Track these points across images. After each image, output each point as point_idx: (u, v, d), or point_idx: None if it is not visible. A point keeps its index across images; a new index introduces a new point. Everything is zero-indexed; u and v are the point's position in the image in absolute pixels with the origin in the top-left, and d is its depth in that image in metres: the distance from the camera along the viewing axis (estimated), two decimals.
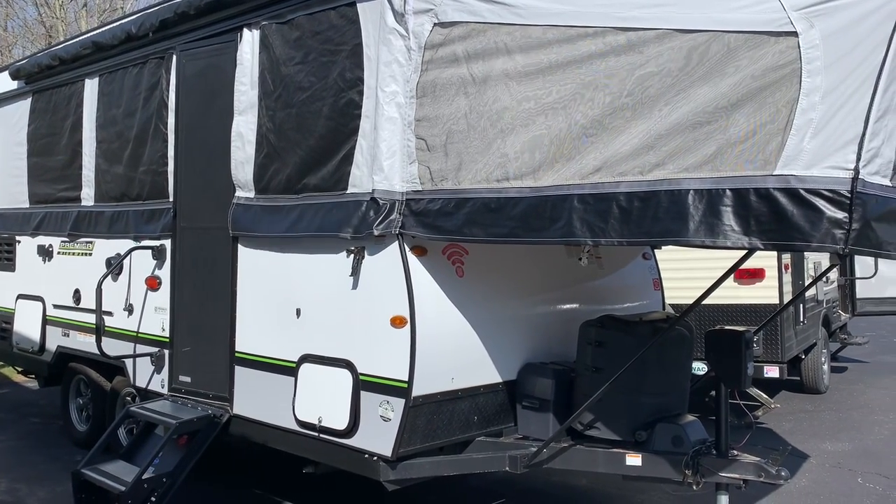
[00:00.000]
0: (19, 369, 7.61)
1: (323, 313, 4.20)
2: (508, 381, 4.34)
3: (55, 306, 6.45)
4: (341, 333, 4.08)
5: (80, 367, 6.32)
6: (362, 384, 3.94)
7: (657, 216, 2.96)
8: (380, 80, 3.90)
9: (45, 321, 6.55)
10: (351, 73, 4.07)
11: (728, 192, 2.78)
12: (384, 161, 3.87)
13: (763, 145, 2.73)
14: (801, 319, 7.75)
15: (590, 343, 4.14)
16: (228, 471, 5.77)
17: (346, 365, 4.01)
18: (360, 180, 4.00)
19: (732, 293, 7.27)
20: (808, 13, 2.67)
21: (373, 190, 3.88)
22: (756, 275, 7.15)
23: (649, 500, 5.13)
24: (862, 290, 10.66)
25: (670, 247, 5.90)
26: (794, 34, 2.68)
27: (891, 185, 2.69)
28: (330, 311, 4.15)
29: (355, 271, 4.00)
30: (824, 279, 9.20)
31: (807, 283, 7.98)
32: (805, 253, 7.56)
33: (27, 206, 6.94)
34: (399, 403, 3.78)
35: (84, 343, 6.04)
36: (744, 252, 3.38)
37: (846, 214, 2.54)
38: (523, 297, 4.49)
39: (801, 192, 2.62)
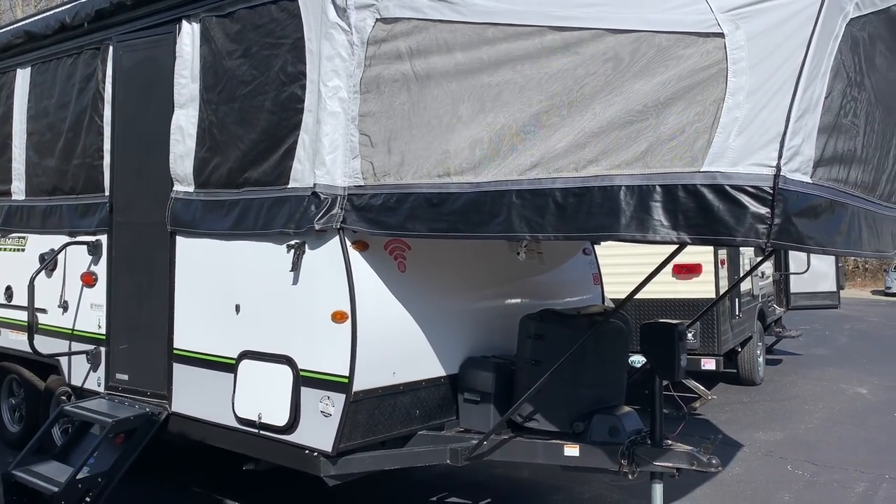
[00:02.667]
0: None
1: (263, 309, 4.16)
2: (451, 375, 4.37)
3: None
4: (281, 329, 4.05)
5: (11, 367, 6.13)
6: (303, 380, 3.93)
7: (591, 211, 3.03)
8: (322, 75, 3.89)
9: None
10: (293, 68, 4.05)
11: (658, 188, 2.86)
12: (326, 156, 3.85)
13: (691, 142, 2.81)
14: (737, 313, 8.00)
15: (529, 336, 4.21)
16: (168, 469, 5.67)
17: (286, 361, 3.99)
18: (302, 175, 3.98)
19: (671, 288, 7.47)
20: (734, 15, 2.76)
21: (314, 184, 3.87)
22: (693, 270, 7.35)
23: (589, 490, 5.24)
24: (796, 285, 11.05)
25: (610, 243, 6.03)
26: (721, 35, 2.78)
27: (811, 181, 2.80)
28: (270, 306, 4.12)
29: (296, 266, 3.98)
30: (760, 274, 9.51)
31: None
32: (741, 249, 7.80)
33: None
34: (339, 399, 3.78)
35: (16, 341, 5.86)
36: (676, 247, 3.47)
37: (768, 210, 2.64)
38: (466, 292, 4.53)
39: (727, 188, 2.71)
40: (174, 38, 4.67)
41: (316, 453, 3.87)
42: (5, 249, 6.09)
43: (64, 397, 5.63)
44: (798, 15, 2.67)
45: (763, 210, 2.65)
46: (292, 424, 3.95)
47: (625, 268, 7.07)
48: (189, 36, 4.60)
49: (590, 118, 3.08)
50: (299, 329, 3.98)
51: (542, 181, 3.18)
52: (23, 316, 5.62)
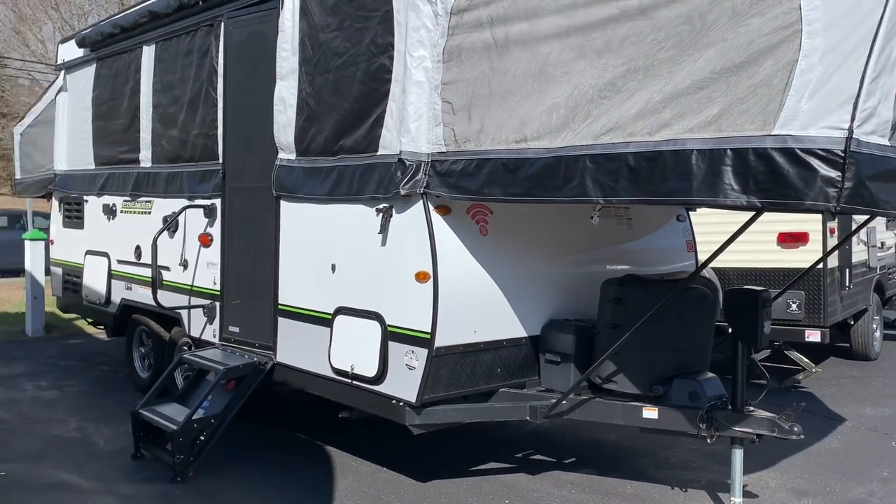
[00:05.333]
0: (90, 321, 8.16)
1: (355, 268, 4.44)
2: (532, 336, 4.52)
3: (119, 261, 6.89)
4: (371, 287, 4.32)
5: (141, 319, 6.76)
6: (390, 335, 4.18)
7: (663, 175, 3.07)
8: (408, 45, 4.06)
9: (111, 275, 7.01)
10: (382, 39, 4.24)
11: (729, 152, 2.87)
12: (411, 123, 4.04)
13: (763, 106, 2.79)
14: (848, 284, 7.64)
15: (609, 300, 4.28)
16: (275, 416, 6.14)
17: (376, 317, 4.26)
18: (390, 142, 4.19)
19: (776, 257, 7.23)
20: None
21: (400, 151, 4.07)
22: (799, 238, 7.08)
23: (675, 455, 5.26)
24: None
25: (706, 209, 5.91)
26: None
27: (889, 144, 2.73)
28: (361, 266, 4.39)
29: (383, 229, 4.21)
30: (879, 245, 9.01)
31: (855, 247, 7.85)
32: (851, 217, 7.42)
33: (93, 167, 7.38)
34: (423, 353, 4.01)
35: (144, 296, 6.45)
36: (751, 214, 3.42)
37: (839, 173, 2.60)
38: (548, 257, 4.63)
39: (797, 151, 2.69)
40: (278, 13, 4.97)
41: (402, 403, 4.13)
42: (135, 212, 6.70)
43: (186, 347, 6.18)
44: None
45: (833, 173, 2.61)
46: (381, 376, 4.22)
47: (723, 235, 6.93)
48: (290, 11, 4.87)
49: (664, 82, 3.10)
50: (387, 287, 4.22)
51: (616, 145, 3.23)
52: (150, 273, 6.21)
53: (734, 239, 3.57)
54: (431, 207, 4.05)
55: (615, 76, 3.27)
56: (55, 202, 8.22)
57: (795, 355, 7.27)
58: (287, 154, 4.94)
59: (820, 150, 2.64)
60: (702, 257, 7.38)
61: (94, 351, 8.76)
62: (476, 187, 3.79)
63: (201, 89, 5.74)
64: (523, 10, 3.62)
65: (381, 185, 4.18)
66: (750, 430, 3.94)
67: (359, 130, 4.39)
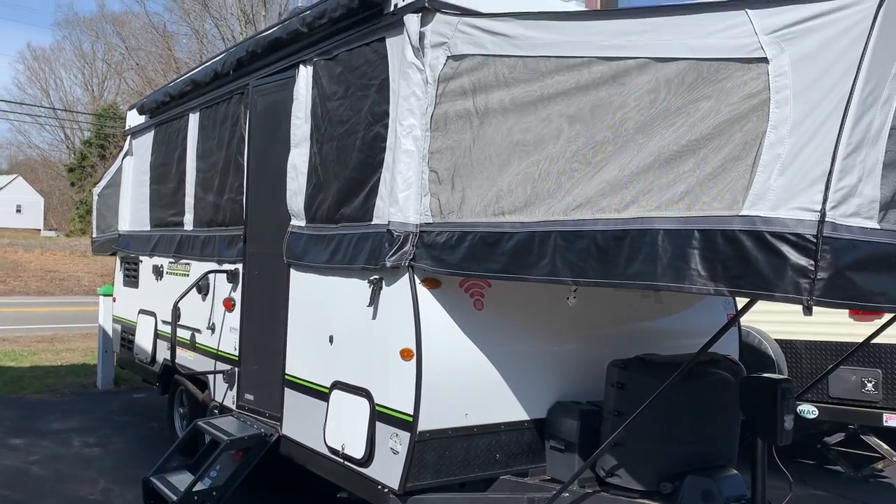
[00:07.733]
0: (142, 378, 8.35)
1: (349, 341, 4.28)
2: (536, 419, 4.19)
3: (163, 322, 7.03)
4: (362, 362, 4.14)
5: (181, 380, 6.82)
6: (378, 415, 3.97)
7: (630, 256, 2.77)
8: (399, 114, 3.95)
9: (156, 335, 7.16)
10: (379, 107, 4.15)
11: (696, 234, 2.55)
12: (399, 193, 3.90)
13: (732, 182, 2.48)
14: None
15: (612, 385, 3.92)
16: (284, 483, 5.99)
17: (365, 394, 4.06)
18: (382, 212, 4.05)
19: (849, 330, 6.55)
20: (779, 37, 2.39)
21: (389, 222, 3.92)
22: (873, 311, 6.38)
23: None
24: None
25: None
26: (765, 60, 2.42)
27: (879, 227, 2.34)
28: (354, 339, 4.23)
29: (373, 301, 4.05)
30: None
31: None
32: None
33: (148, 228, 7.65)
34: (405, 437, 3.77)
35: (181, 357, 6.52)
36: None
37: (811, 261, 2.24)
38: (556, 333, 4.31)
39: (766, 235, 2.35)
40: (294, 81, 4.99)
41: (386, 490, 3.89)
42: (177, 274, 6.84)
43: (216, 411, 6.16)
44: (848, 33, 2.24)
45: (805, 262, 2.25)
46: (368, 458, 4.00)
47: (792, 305, 6.34)
48: (304, 79, 4.88)
49: (632, 154, 2.82)
50: (376, 364, 4.03)
51: (585, 222, 2.97)
52: (186, 335, 6.29)
53: (740, 316, 3.20)
54: (418, 281, 3.85)
55: (586, 147, 3.02)
56: (118, 261, 8.56)
57: (874, 441, 6.51)
58: (298, 221, 4.89)
59: (790, 234, 2.29)
60: (764, 329, 6.82)
61: (152, 406, 8.94)
62: (457, 261, 3.58)
63: (231, 155, 5.84)
64: (502, 77, 3.44)
65: (372, 256, 4.04)
66: None
67: (357, 199, 4.29)
